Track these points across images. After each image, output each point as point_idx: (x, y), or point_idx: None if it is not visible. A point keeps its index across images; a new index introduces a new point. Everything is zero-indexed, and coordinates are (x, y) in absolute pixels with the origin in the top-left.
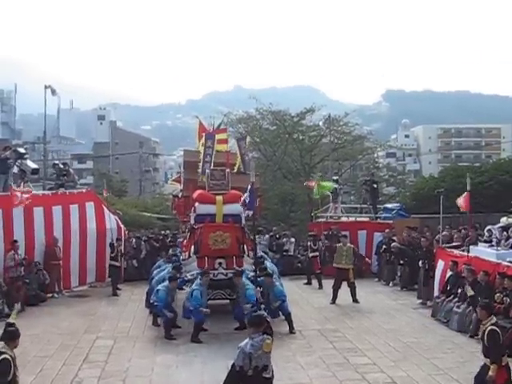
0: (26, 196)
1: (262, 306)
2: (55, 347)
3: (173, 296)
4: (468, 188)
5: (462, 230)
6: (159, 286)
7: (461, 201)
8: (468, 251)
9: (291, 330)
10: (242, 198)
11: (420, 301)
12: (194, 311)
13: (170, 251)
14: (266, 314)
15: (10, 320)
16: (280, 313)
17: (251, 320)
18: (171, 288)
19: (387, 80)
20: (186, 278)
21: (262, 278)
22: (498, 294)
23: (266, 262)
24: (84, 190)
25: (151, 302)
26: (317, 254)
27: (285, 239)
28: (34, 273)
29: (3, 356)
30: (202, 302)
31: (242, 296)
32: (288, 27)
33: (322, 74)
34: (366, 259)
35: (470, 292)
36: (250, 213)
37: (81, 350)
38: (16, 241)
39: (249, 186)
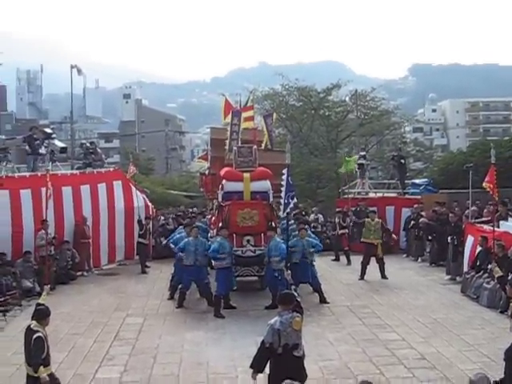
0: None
1: (293, 287)
2: (86, 325)
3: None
4: (492, 161)
5: (492, 206)
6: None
7: (487, 179)
8: (498, 226)
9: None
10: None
11: (449, 277)
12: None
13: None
14: (296, 294)
15: (40, 301)
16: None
17: (280, 298)
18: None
19: (414, 54)
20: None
21: (295, 240)
22: None
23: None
24: (111, 169)
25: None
26: (346, 230)
27: (312, 215)
28: (64, 251)
29: (37, 334)
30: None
31: (273, 247)
32: (313, 1)
33: (348, 49)
34: (393, 236)
35: (498, 273)
36: (294, 201)
37: (111, 328)
38: (46, 220)
39: (285, 170)
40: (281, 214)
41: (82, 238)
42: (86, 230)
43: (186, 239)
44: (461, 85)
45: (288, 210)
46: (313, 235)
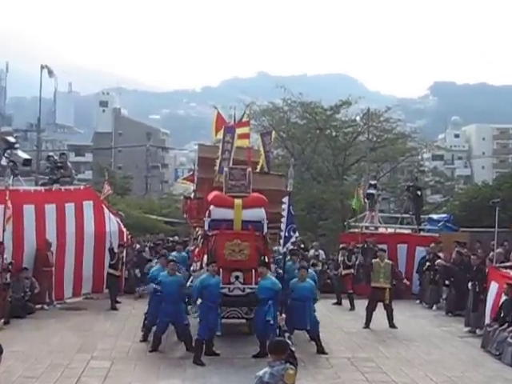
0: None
1: (287, 334)
2: (44, 367)
3: None
4: None
5: None
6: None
7: None
8: None
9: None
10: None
11: (468, 328)
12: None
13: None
14: (290, 342)
15: None
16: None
17: (272, 346)
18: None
19: (436, 70)
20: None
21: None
22: None
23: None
24: (82, 187)
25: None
26: (351, 271)
27: (312, 251)
28: (22, 280)
29: None
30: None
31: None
32: (323, 7)
33: (361, 62)
34: (405, 281)
35: None
36: (295, 235)
37: (73, 372)
38: (2, 243)
39: (286, 198)
40: (280, 249)
41: (44, 266)
42: (49, 257)
43: (162, 273)
44: (488, 108)
45: (289, 245)
46: (313, 274)
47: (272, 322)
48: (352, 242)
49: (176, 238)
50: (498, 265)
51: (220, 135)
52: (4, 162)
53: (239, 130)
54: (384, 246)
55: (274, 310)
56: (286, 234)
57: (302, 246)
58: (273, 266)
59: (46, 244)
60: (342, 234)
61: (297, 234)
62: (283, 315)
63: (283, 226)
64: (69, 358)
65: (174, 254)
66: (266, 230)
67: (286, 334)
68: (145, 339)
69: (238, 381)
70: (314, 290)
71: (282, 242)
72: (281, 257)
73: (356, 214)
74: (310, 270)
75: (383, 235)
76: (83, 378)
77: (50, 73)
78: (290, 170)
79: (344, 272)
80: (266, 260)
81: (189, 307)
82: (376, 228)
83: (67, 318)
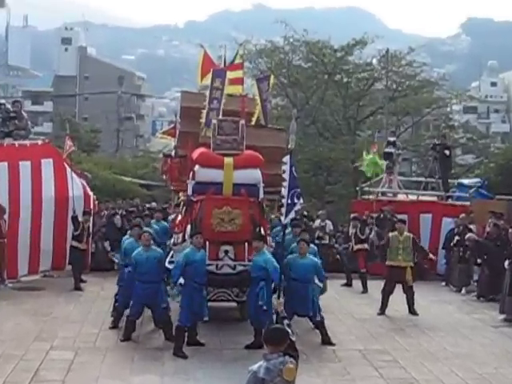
0: None
1: (286, 322)
2: None
3: None
4: None
5: None
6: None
7: None
8: None
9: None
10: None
11: (503, 316)
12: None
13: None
14: (290, 330)
15: None
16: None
17: (268, 335)
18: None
19: (469, 5)
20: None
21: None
22: None
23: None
24: (40, 142)
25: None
26: (365, 246)
27: (317, 221)
28: None
29: None
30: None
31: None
32: None
33: None
34: (430, 255)
35: None
36: (300, 202)
37: (29, 364)
38: None
39: (287, 157)
40: (282, 219)
41: None
42: (2, 226)
43: (136, 250)
44: None
45: (292, 214)
46: (315, 249)
47: (264, 307)
48: (366, 210)
49: (154, 204)
50: None
51: (207, 80)
52: None
53: (230, 74)
54: (404, 217)
55: (268, 292)
56: (289, 201)
57: (306, 213)
58: (269, 239)
59: None
60: (354, 201)
61: (301, 200)
62: (281, 299)
63: (285, 192)
64: (24, 348)
65: (153, 222)
66: (261, 195)
67: (285, 321)
68: (115, 326)
69: (226, 377)
70: (317, 269)
71: (283, 210)
72: (279, 228)
73: (371, 176)
74: (311, 244)
75: (403, 203)
76: (41, 371)
77: (1, 2)
78: (292, 124)
79: (356, 247)
80: (262, 232)
81: (168, 288)
82: (395, 194)
83: (22, 300)
